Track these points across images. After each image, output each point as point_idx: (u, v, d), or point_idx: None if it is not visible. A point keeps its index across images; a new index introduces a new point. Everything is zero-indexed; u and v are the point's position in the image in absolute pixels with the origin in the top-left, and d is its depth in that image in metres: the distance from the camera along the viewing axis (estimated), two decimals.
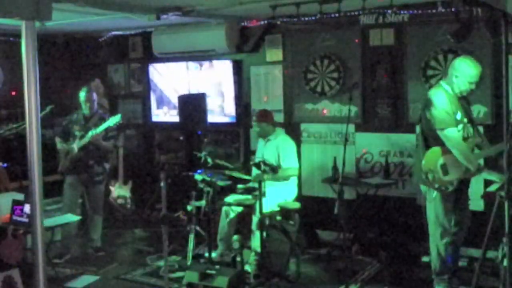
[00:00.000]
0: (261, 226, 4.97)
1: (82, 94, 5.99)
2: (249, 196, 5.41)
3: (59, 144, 5.99)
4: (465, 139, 4.42)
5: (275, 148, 5.66)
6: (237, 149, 6.95)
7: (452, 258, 4.61)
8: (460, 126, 4.39)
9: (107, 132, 5.87)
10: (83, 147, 5.83)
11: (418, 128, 4.67)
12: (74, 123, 6.01)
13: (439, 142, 4.40)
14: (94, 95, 6.06)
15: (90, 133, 5.77)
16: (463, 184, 4.53)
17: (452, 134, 4.32)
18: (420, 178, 4.51)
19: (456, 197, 4.53)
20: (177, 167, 7.11)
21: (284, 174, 5.59)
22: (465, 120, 4.44)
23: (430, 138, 4.47)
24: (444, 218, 4.48)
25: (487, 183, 4.96)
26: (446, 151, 4.37)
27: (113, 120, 5.79)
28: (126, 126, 7.72)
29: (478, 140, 4.55)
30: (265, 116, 5.77)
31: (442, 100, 4.37)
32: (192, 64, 7.09)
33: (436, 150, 4.39)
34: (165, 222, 4.41)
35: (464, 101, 4.54)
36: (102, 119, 5.97)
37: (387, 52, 5.90)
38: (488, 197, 4.43)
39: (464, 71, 4.37)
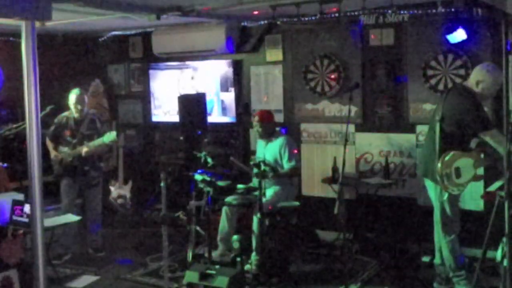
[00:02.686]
0: (261, 226, 4.97)
1: (72, 97, 5.84)
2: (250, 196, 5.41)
3: (53, 153, 5.93)
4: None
5: (277, 148, 5.66)
6: (237, 149, 6.94)
7: (461, 252, 4.66)
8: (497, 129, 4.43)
9: (99, 133, 5.81)
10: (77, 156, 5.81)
11: (437, 127, 4.50)
12: (64, 127, 5.91)
13: (460, 144, 4.42)
14: (85, 98, 5.93)
15: (83, 147, 5.71)
16: None
17: (495, 134, 4.33)
18: (428, 174, 4.52)
19: (460, 196, 4.61)
20: (177, 167, 7.11)
21: (287, 173, 5.60)
22: None
23: (453, 140, 4.43)
24: (452, 216, 4.54)
25: (487, 183, 4.96)
26: (462, 155, 4.38)
27: (108, 138, 5.66)
28: (126, 126, 7.73)
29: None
30: (267, 116, 5.78)
31: (476, 103, 4.40)
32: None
33: (453, 154, 4.36)
34: (165, 222, 4.41)
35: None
36: (93, 122, 5.92)
37: (387, 52, 5.90)
38: (488, 197, 4.43)
39: (489, 78, 4.42)
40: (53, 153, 5.93)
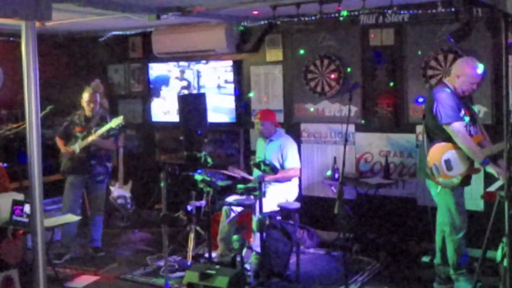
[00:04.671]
0: (261, 226, 4.97)
1: (85, 95, 5.95)
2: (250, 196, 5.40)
3: (63, 149, 5.98)
4: None
5: (278, 148, 5.66)
6: (237, 149, 6.95)
7: (466, 251, 4.66)
8: (463, 124, 4.43)
9: (108, 131, 5.85)
10: (84, 148, 5.84)
11: (423, 125, 4.70)
12: (75, 124, 5.98)
13: (443, 138, 4.46)
14: (98, 96, 6.03)
15: (91, 134, 5.76)
16: (468, 179, 4.56)
17: (459, 128, 4.37)
18: (425, 173, 4.54)
19: (463, 190, 4.61)
20: (177, 167, 7.11)
21: (287, 174, 5.61)
22: (468, 118, 4.48)
23: (434, 135, 4.53)
24: (456, 212, 4.52)
25: (487, 183, 4.96)
26: (450, 147, 4.43)
27: (115, 122, 5.75)
28: (126, 126, 7.72)
29: (481, 138, 4.57)
30: (269, 115, 5.79)
31: (446, 96, 4.43)
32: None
33: (441, 145, 4.46)
34: (165, 222, 4.41)
35: (467, 100, 4.59)
36: (104, 119, 5.96)
37: (387, 52, 5.90)
38: (488, 197, 4.43)
39: (467, 72, 4.42)
40: (63, 149, 5.96)
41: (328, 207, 6.00)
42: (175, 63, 7.24)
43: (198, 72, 7.06)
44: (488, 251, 4.02)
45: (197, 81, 7.09)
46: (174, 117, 7.03)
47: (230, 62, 6.82)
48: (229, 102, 6.86)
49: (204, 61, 7.00)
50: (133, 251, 6.22)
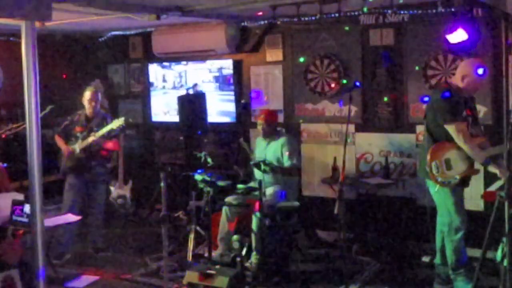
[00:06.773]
0: (261, 226, 4.97)
1: (87, 93, 5.93)
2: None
3: (63, 147, 5.96)
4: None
5: (279, 148, 5.66)
6: (237, 149, 6.95)
7: (465, 251, 4.66)
8: (465, 124, 4.44)
9: (109, 132, 5.84)
10: (85, 148, 5.83)
11: (424, 125, 4.71)
12: (75, 124, 5.97)
13: (444, 137, 4.47)
14: (99, 95, 6.02)
15: (92, 135, 5.75)
16: (466, 180, 4.57)
17: (460, 128, 4.37)
18: (424, 172, 4.55)
19: (463, 191, 4.61)
20: (177, 167, 7.11)
21: (286, 170, 5.60)
22: (470, 119, 4.49)
23: (436, 134, 4.54)
24: (455, 212, 4.53)
25: (487, 183, 4.96)
26: (451, 146, 4.44)
27: (116, 123, 5.74)
28: (126, 126, 7.72)
29: (483, 139, 4.58)
30: (273, 116, 5.83)
31: (448, 96, 4.45)
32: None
33: (442, 144, 4.47)
34: (165, 222, 4.41)
35: (470, 100, 4.60)
36: (104, 119, 5.95)
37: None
38: (488, 197, 4.44)
39: (472, 73, 4.44)
40: (63, 147, 5.95)
41: (328, 207, 6.00)
42: (171, 64, 7.25)
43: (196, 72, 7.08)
44: (488, 251, 4.03)
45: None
46: (174, 117, 7.04)
47: (230, 62, 6.82)
48: (229, 102, 6.86)
49: (203, 61, 7.01)
50: (133, 251, 6.21)
